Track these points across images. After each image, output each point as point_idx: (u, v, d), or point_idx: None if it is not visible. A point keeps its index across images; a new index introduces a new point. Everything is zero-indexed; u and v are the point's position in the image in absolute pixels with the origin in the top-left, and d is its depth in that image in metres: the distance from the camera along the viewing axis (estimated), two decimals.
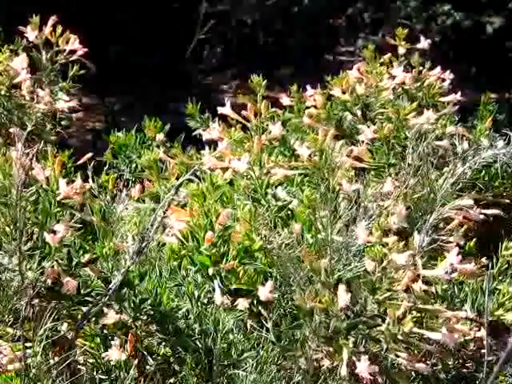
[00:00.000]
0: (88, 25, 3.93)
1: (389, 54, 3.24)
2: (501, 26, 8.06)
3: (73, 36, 3.16)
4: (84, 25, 3.22)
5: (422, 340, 2.30)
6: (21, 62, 3.03)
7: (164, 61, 7.87)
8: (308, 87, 3.27)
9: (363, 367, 2.23)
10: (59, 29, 3.16)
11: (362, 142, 2.91)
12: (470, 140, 2.98)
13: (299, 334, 2.35)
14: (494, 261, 2.62)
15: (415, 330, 2.27)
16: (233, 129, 2.92)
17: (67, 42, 3.17)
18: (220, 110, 2.92)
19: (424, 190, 2.68)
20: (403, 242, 2.31)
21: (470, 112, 3.46)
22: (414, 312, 2.28)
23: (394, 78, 3.13)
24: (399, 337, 2.27)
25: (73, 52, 3.18)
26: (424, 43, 3.31)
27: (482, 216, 2.80)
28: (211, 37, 8.33)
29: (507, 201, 3.10)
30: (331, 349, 2.30)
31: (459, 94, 3.15)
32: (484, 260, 2.71)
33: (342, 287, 2.26)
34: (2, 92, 3.00)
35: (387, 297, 2.28)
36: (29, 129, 2.69)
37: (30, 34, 3.15)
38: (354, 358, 2.24)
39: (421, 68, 3.19)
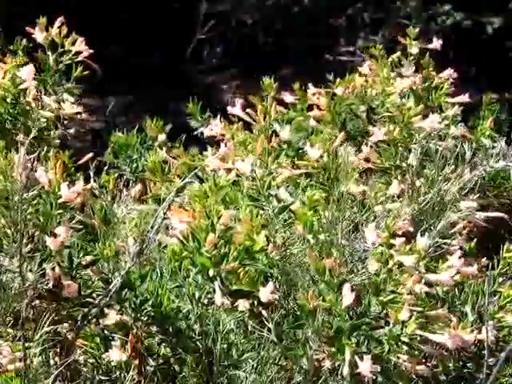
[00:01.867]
0: (88, 25, 3.93)
1: (398, 53, 3.23)
2: (501, 26, 8.04)
3: (79, 38, 3.15)
4: (84, 25, 3.21)
5: (423, 342, 2.31)
6: (28, 72, 3.01)
7: (164, 61, 7.86)
8: (310, 85, 3.27)
9: (365, 367, 2.23)
10: (64, 30, 3.15)
11: (366, 143, 2.91)
12: (471, 141, 2.98)
13: (301, 335, 2.35)
14: (495, 262, 2.62)
15: (418, 332, 2.27)
16: (235, 126, 2.92)
17: (73, 44, 3.16)
18: (230, 109, 2.92)
19: (430, 192, 2.68)
20: (409, 246, 2.32)
21: (471, 112, 3.45)
22: (416, 314, 2.29)
23: (402, 77, 3.11)
24: (402, 338, 2.27)
25: (78, 53, 3.17)
26: (436, 43, 3.29)
27: (483, 217, 2.81)
28: (211, 37, 8.32)
29: (507, 201, 3.10)
30: (333, 349, 2.30)
31: (467, 95, 3.15)
32: (484, 260, 2.71)
33: (346, 286, 2.26)
34: (8, 100, 3.00)
35: (391, 299, 2.28)
36: (31, 135, 2.68)
37: (38, 35, 3.14)
38: (356, 358, 2.24)
39: (431, 69, 3.18)
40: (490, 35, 8.08)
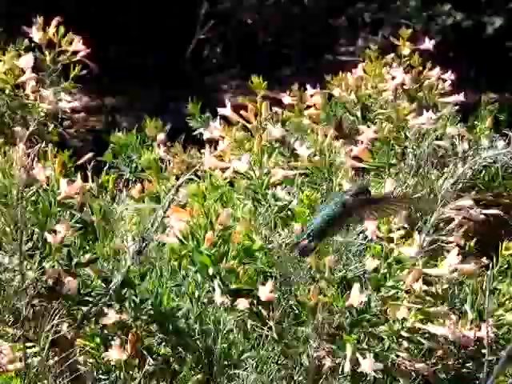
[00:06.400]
0: (88, 25, 3.93)
1: (392, 55, 3.25)
2: (501, 25, 8.05)
3: (76, 37, 3.16)
4: (84, 25, 3.22)
5: (424, 336, 2.31)
6: (27, 61, 3.03)
7: (164, 61, 7.86)
8: (308, 87, 3.28)
9: (367, 364, 2.22)
10: (62, 29, 3.16)
11: (361, 142, 2.91)
12: (470, 140, 2.98)
13: (301, 333, 2.35)
14: (494, 261, 2.62)
15: (418, 325, 2.27)
16: (234, 128, 2.92)
17: (70, 43, 3.17)
18: (220, 110, 2.91)
19: (424, 190, 2.69)
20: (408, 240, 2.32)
21: (470, 112, 3.46)
22: (416, 311, 2.30)
23: (394, 78, 3.13)
24: (403, 333, 2.27)
25: (76, 53, 3.19)
26: (428, 44, 3.30)
27: (482, 216, 2.81)
28: (211, 37, 8.32)
29: (507, 201, 3.10)
30: (334, 346, 2.30)
31: (462, 94, 3.15)
32: (484, 260, 2.71)
33: (356, 286, 2.25)
34: (7, 91, 3.01)
35: (392, 295, 2.29)
36: (31, 129, 2.69)
37: (35, 34, 3.16)
38: (357, 355, 2.24)
39: (420, 68, 3.19)
40: (490, 35, 8.08)
